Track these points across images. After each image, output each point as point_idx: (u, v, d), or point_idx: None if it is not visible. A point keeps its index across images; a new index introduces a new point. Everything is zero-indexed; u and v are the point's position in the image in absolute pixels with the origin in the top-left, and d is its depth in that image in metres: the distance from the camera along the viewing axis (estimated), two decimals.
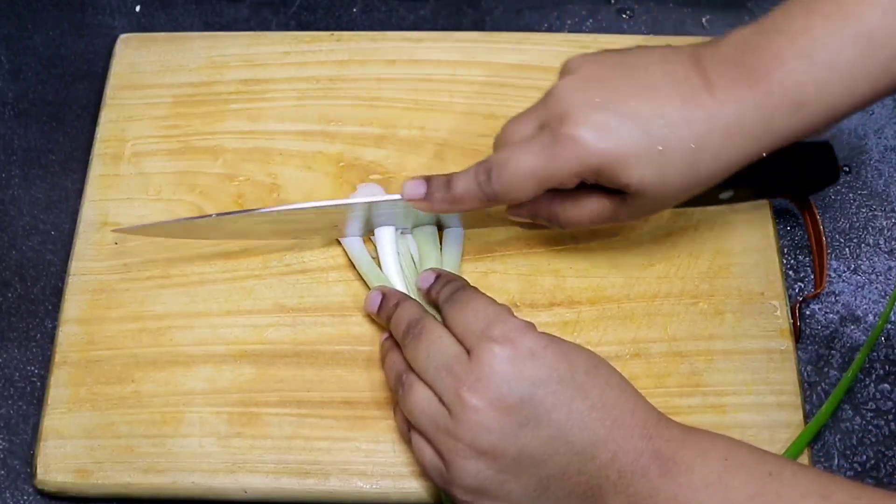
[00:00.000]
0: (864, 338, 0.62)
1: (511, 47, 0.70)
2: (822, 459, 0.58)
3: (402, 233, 0.62)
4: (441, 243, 0.62)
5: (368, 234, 0.62)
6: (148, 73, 0.70)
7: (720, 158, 0.52)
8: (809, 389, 0.60)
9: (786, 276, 0.63)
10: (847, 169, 0.68)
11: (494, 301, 0.52)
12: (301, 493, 0.56)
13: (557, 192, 0.55)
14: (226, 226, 0.60)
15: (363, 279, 0.61)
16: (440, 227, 0.62)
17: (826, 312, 0.63)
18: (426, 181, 0.56)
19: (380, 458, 0.57)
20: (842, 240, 0.66)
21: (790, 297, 0.63)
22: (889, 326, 0.62)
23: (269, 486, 0.56)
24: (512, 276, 0.62)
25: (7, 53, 0.74)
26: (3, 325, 0.63)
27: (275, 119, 0.68)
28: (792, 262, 0.65)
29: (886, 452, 0.59)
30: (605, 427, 0.48)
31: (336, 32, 0.72)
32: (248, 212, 0.60)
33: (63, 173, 0.68)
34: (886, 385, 0.61)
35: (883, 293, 0.63)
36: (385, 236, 0.61)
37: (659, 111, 0.51)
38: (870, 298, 0.63)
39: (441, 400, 0.49)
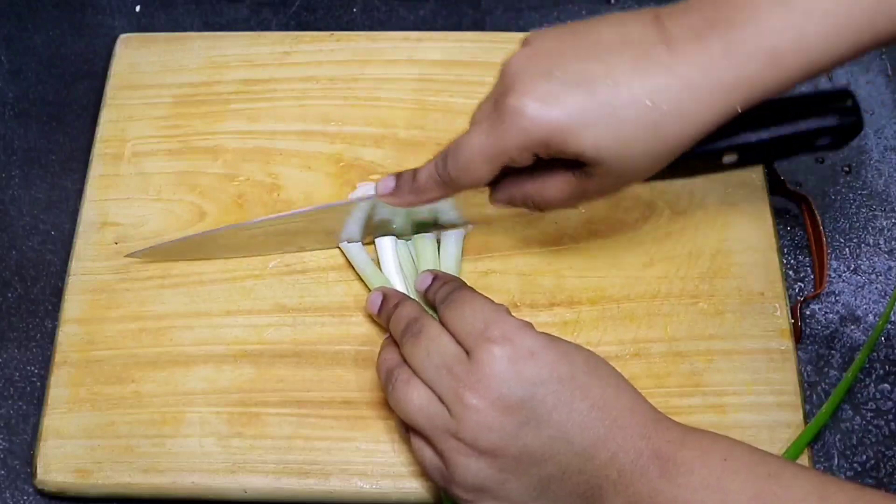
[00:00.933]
0: (864, 338, 0.62)
1: (511, 47, 0.69)
2: (822, 459, 0.58)
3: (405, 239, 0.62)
4: (440, 247, 0.62)
5: (368, 242, 0.62)
6: (148, 73, 0.70)
7: (686, 116, 0.48)
8: (809, 389, 0.60)
9: (786, 276, 0.63)
10: (847, 169, 0.68)
11: (491, 301, 0.52)
12: (301, 493, 0.56)
13: (524, 173, 0.53)
14: (226, 241, 0.61)
15: (363, 280, 0.61)
16: (442, 227, 0.62)
17: (826, 312, 0.63)
18: (396, 176, 0.57)
19: (380, 458, 0.57)
20: (842, 240, 0.66)
21: (790, 297, 0.63)
22: (889, 326, 0.62)
23: (269, 486, 0.56)
24: (512, 276, 0.62)
25: (7, 53, 0.74)
26: (3, 325, 0.63)
27: (275, 119, 0.68)
28: (792, 262, 0.65)
29: (886, 452, 0.59)
30: (605, 427, 0.48)
31: (336, 32, 0.72)
32: (237, 226, 0.61)
33: (63, 173, 0.68)
34: (886, 385, 0.61)
35: (883, 293, 0.63)
36: (385, 242, 0.61)
37: (607, 71, 0.48)
38: (870, 298, 0.63)
39: (441, 399, 0.49)
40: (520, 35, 0.71)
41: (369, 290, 0.61)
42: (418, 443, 0.51)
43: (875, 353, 0.61)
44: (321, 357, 0.60)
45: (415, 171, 0.56)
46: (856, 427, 0.59)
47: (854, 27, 0.47)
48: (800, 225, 0.66)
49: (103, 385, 0.59)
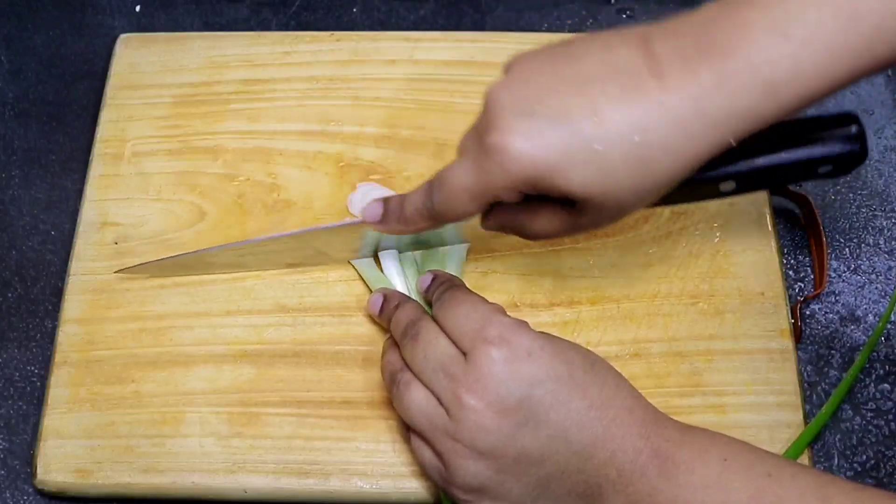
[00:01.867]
0: (864, 338, 0.62)
1: (511, 47, 0.69)
2: (822, 459, 0.58)
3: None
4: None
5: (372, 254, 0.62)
6: (148, 73, 0.70)
7: (676, 150, 0.45)
8: (809, 389, 0.60)
9: (786, 276, 0.63)
10: None
11: (485, 300, 0.52)
12: (301, 493, 0.56)
13: (515, 204, 0.51)
14: (217, 260, 0.61)
15: (364, 280, 0.61)
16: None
17: (826, 312, 0.63)
18: (384, 203, 0.55)
19: (380, 458, 0.57)
20: (842, 240, 0.65)
21: (790, 297, 0.63)
22: (889, 326, 0.62)
23: (269, 486, 0.56)
24: (512, 276, 0.62)
25: (7, 53, 0.74)
26: (3, 325, 0.63)
27: (275, 119, 0.68)
28: (792, 262, 0.65)
29: (886, 452, 0.59)
30: (604, 426, 0.47)
31: (336, 32, 0.72)
32: (227, 246, 0.61)
33: (63, 173, 0.68)
34: (886, 385, 0.61)
35: (883, 293, 0.63)
36: (388, 256, 0.61)
37: (592, 106, 0.45)
38: (870, 298, 0.63)
39: (439, 401, 0.49)
40: (520, 35, 0.71)
41: (370, 291, 0.61)
42: (418, 443, 0.51)
43: (875, 353, 0.61)
44: (321, 357, 0.60)
45: (403, 200, 0.54)
46: (856, 427, 0.59)
47: (853, 55, 0.44)
48: (800, 225, 0.66)
49: (103, 385, 0.59)
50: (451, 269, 0.60)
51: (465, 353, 0.49)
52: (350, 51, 0.70)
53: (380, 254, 0.61)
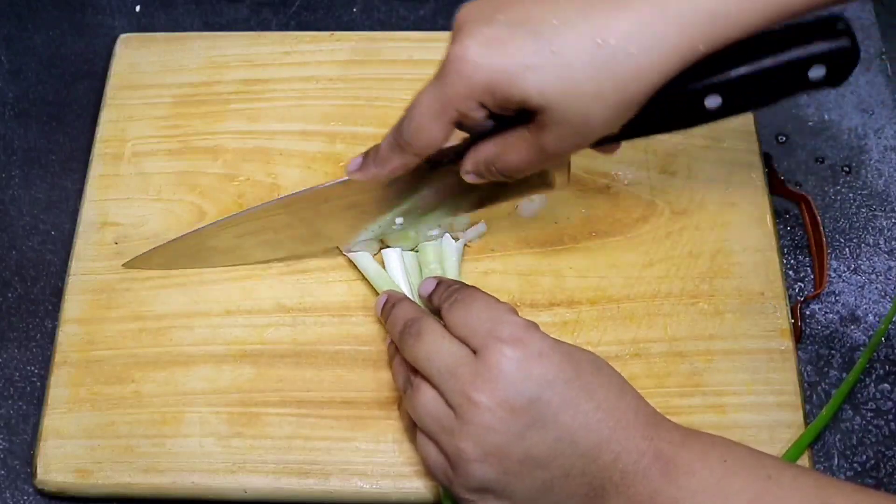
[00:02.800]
0: (864, 338, 0.62)
1: None
2: (822, 460, 0.58)
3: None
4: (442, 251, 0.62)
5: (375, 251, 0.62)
6: (148, 73, 0.70)
7: (640, 54, 0.44)
8: (809, 389, 0.60)
9: (786, 276, 0.63)
10: (847, 169, 0.68)
11: (497, 300, 0.52)
12: (301, 493, 0.56)
13: (484, 137, 0.51)
14: (217, 243, 0.61)
15: (369, 283, 0.61)
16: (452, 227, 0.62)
17: (826, 312, 0.63)
18: (364, 154, 0.56)
19: (380, 458, 0.57)
20: (842, 240, 0.65)
21: (790, 297, 0.63)
22: (889, 326, 0.62)
23: (269, 486, 0.56)
24: (512, 276, 0.62)
25: (7, 53, 0.74)
26: (3, 325, 0.63)
27: (275, 119, 0.68)
28: (792, 262, 0.65)
29: (886, 452, 0.59)
30: (610, 428, 0.47)
31: (336, 32, 0.72)
32: (222, 221, 0.61)
33: (63, 173, 0.68)
34: (886, 385, 0.61)
35: (883, 293, 0.63)
36: (391, 251, 0.61)
37: (554, 11, 0.45)
38: (870, 298, 0.63)
39: (446, 401, 0.49)
40: None
41: (372, 291, 0.61)
42: (424, 442, 0.51)
43: (875, 354, 0.61)
44: (321, 357, 0.60)
45: (378, 144, 0.54)
46: (856, 427, 0.59)
47: None
48: (800, 225, 0.66)
49: (103, 385, 0.59)
50: (450, 268, 0.60)
51: (475, 351, 0.49)
52: (350, 51, 0.70)
53: (383, 252, 0.61)
